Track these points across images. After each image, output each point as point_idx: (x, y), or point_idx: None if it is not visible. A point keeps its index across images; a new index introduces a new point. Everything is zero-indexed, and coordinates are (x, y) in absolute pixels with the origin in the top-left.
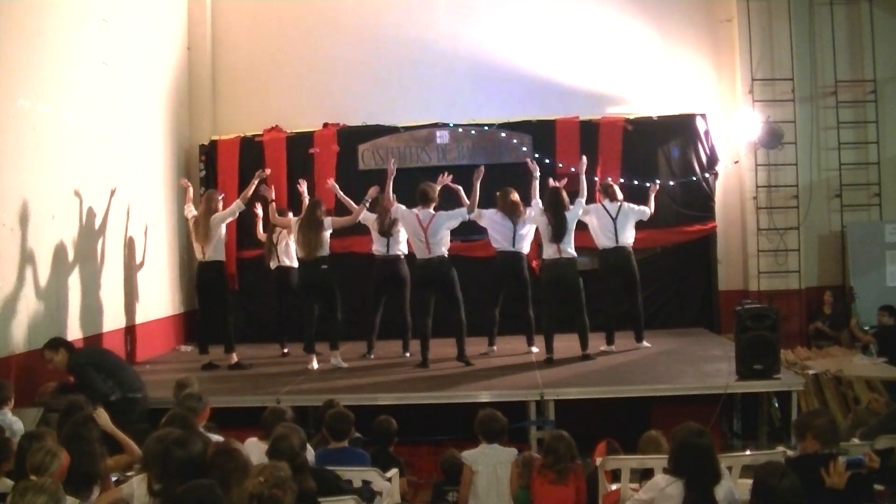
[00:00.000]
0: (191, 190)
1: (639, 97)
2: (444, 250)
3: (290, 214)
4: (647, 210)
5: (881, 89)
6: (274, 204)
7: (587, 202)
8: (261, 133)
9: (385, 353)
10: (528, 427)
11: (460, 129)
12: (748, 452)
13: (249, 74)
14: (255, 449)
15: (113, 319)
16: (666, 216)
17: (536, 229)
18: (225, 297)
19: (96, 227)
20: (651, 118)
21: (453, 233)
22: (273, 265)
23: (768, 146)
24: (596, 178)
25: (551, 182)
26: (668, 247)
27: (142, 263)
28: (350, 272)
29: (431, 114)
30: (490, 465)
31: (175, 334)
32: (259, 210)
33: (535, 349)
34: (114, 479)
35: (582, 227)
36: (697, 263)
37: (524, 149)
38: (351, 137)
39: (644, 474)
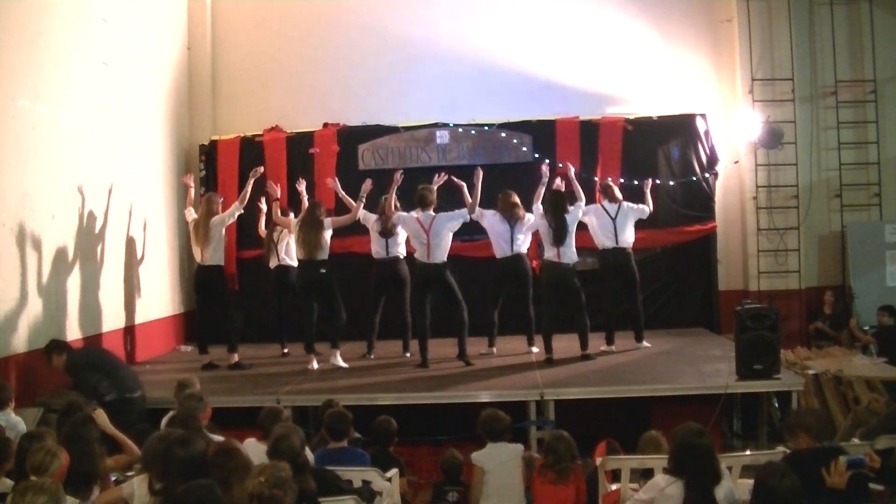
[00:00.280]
0: (192, 191)
1: (639, 97)
2: (444, 254)
3: (291, 215)
4: (647, 208)
5: (881, 89)
6: (278, 203)
7: (587, 203)
8: (261, 133)
9: (385, 353)
10: (528, 427)
11: (460, 129)
12: (748, 452)
13: (249, 74)
14: (253, 449)
15: (113, 319)
16: (666, 216)
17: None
18: (225, 298)
19: (96, 227)
20: (651, 118)
21: (454, 232)
22: (273, 264)
23: (768, 146)
24: (596, 178)
25: (557, 182)
26: (668, 247)
27: (141, 263)
28: (350, 272)
29: (431, 114)
30: (500, 462)
31: (175, 334)
32: (263, 205)
33: (535, 349)
34: (113, 478)
35: (582, 226)
36: (697, 263)
37: (524, 149)
38: (351, 137)
39: (644, 474)
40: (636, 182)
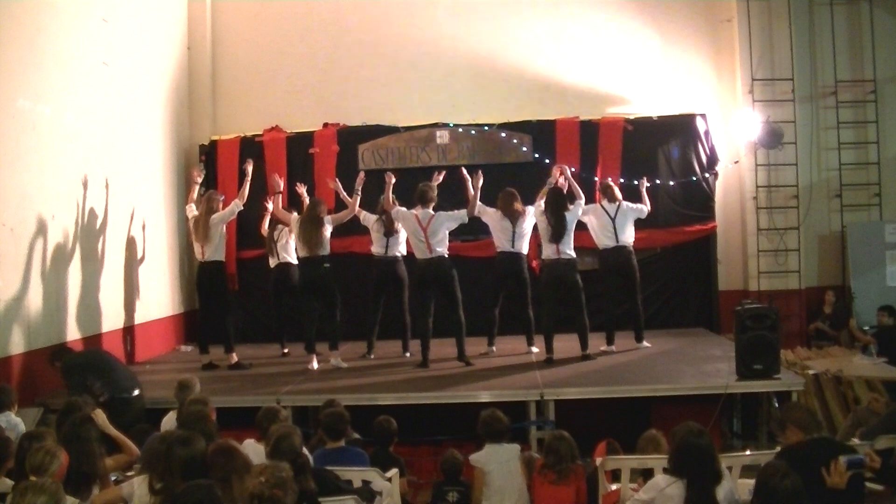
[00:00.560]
0: (196, 187)
1: (639, 97)
2: (444, 250)
3: (294, 213)
4: (645, 208)
5: (881, 89)
6: (281, 196)
7: (586, 202)
8: (261, 133)
9: (385, 353)
10: (528, 427)
11: (460, 129)
12: (748, 452)
13: (249, 74)
14: (252, 450)
15: (113, 319)
16: (666, 216)
17: (535, 228)
18: (225, 297)
19: (96, 227)
20: (651, 118)
21: (453, 232)
22: (273, 262)
23: (768, 146)
24: (596, 178)
25: (560, 180)
26: (668, 247)
27: (142, 263)
28: (350, 272)
29: (431, 114)
30: (500, 463)
31: (175, 334)
32: (269, 205)
33: (535, 349)
34: (113, 478)
35: (582, 226)
36: (697, 263)
37: (524, 149)
38: (351, 137)
39: (644, 474)
40: (636, 182)
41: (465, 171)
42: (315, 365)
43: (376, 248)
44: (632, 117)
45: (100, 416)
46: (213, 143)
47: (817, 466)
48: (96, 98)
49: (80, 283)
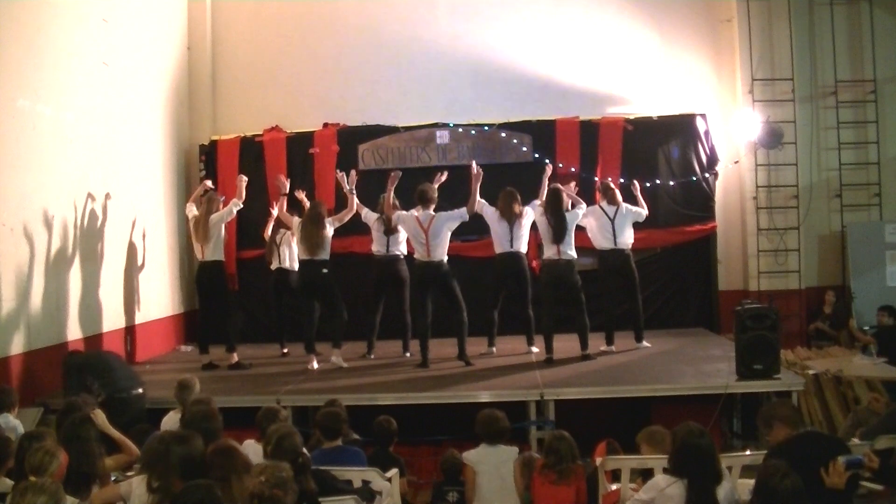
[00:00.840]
0: (201, 189)
1: (639, 97)
2: (443, 253)
3: (296, 217)
4: (643, 211)
5: (881, 89)
6: (285, 198)
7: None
8: (261, 133)
9: (385, 353)
10: (528, 427)
11: (460, 129)
12: (748, 452)
13: (249, 74)
14: (252, 450)
15: (113, 319)
16: (666, 216)
17: (535, 228)
18: (225, 297)
19: (96, 227)
20: (651, 118)
21: (454, 232)
22: (274, 266)
23: (768, 146)
24: (596, 178)
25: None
26: (668, 247)
27: (142, 264)
28: (350, 272)
29: (431, 114)
30: (492, 464)
31: (175, 334)
32: (274, 210)
33: (535, 349)
34: (112, 479)
35: (580, 227)
36: (697, 263)
37: (524, 149)
38: (351, 137)
39: (643, 473)
40: (636, 182)
41: (475, 166)
42: (315, 365)
43: (377, 247)
44: (632, 117)
45: (99, 416)
46: (213, 143)
47: (810, 462)
48: (96, 98)
49: (81, 283)
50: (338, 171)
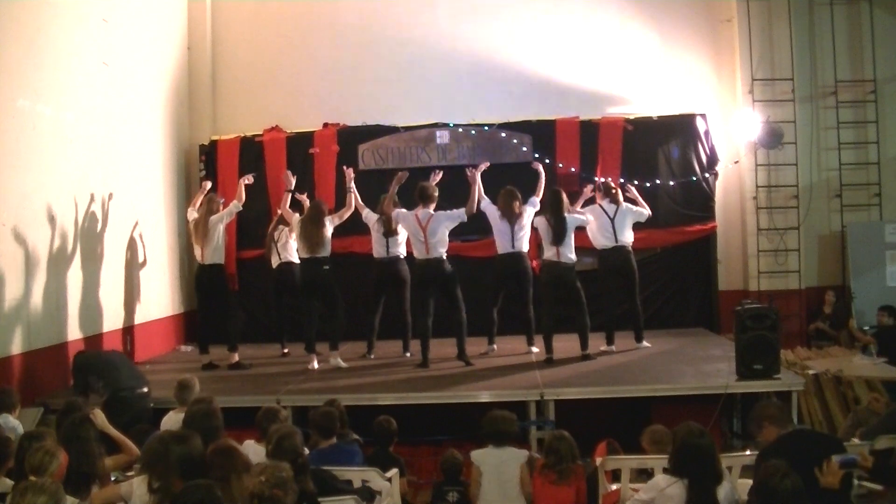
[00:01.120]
0: (202, 194)
1: (639, 97)
2: (443, 251)
3: (297, 215)
4: (645, 211)
5: (881, 89)
6: (290, 194)
7: (587, 203)
8: (261, 133)
9: (385, 353)
10: (528, 427)
11: (460, 129)
12: (748, 452)
13: (249, 74)
14: (252, 451)
15: (113, 319)
16: (666, 216)
17: (535, 228)
18: (226, 298)
19: (96, 227)
20: (651, 118)
21: (453, 232)
22: (274, 262)
23: (768, 146)
24: (596, 178)
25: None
26: (668, 247)
27: (142, 263)
28: (350, 272)
29: (431, 114)
30: (497, 465)
31: (175, 334)
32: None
33: (535, 349)
34: (112, 479)
35: (581, 227)
36: (697, 263)
37: (524, 149)
38: (351, 137)
39: (641, 473)
40: (636, 182)
41: (482, 167)
42: (315, 365)
43: (377, 249)
44: (632, 117)
45: (99, 416)
46: (213, 143)
47: (803, 461)
48: (96, 98)
49: (81, 283)
50: (344, 167)
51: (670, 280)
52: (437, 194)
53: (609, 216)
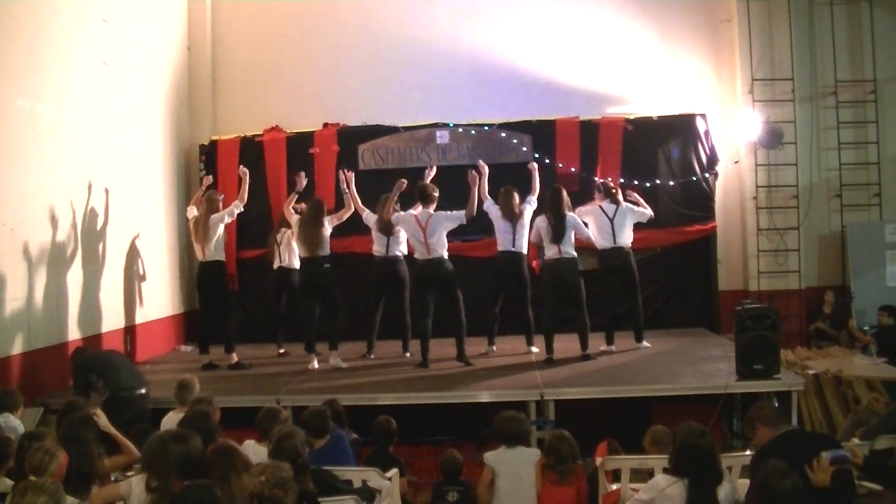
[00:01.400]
0: (202, 191)
1: (639, 97)
2: (443, 251)
3: (296, 216)
4: (647, 212)
5: (881, 89)
6: (296, 195)
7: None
8: (261, 133)
9: (385, 353)
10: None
11: (460, 129)
12: (748, 452)
13: (249, 74)
14: (252, 451)
15: (113, 319)
16: (666, 216)
17: (534, 228)
18: (225, 297)
19: (96, 227)
20: (651, 118)
21: (455, 231)
22: (276, 265)
23: (768, 146)
24: (595, 178)
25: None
26: (668, 247)
27: (142, 263)
28: (350, 272)
29: (431, 114)
30: (513, 466)
31: (175, 334)
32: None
33: (535, 349)
34: (112, 479)
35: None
36: (697, 263)
37: (524, 149)
38: (351, 137)
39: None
40: (636, 182)
41: (471, 172)
42: (315, 365)
43: (377, 248)
44: (632, 117)
45: (101, 417)
46: (213, 143)
47: (797, 461)
48: (96, 98)
49: (81, 282)
50: (343, 170)
51: (670, 280)
52: (436, 194)
53: (608, 216)
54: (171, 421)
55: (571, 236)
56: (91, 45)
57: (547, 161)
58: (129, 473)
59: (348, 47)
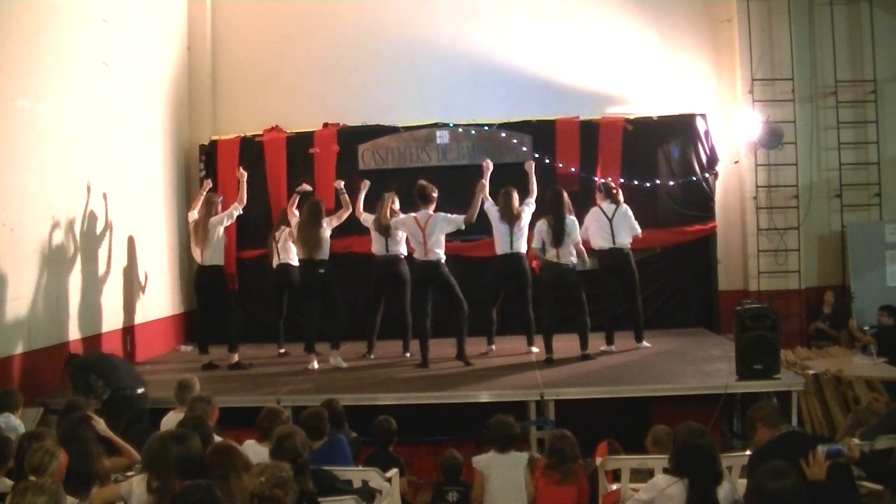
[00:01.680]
0: (202, 196)
1: (639, 97)
2: (440, 252)
3: (296, 217)
4: (637, 227)
5: (881, 89)
6: (297, 197)
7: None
8: (261, 133)
9: (385, 353)
10: (528, 427)
11: (460, 129)
12: (748, 452)
13: (249, 74)
14: (252, 451)
15: (113, 319)
16: (666, 216)
17: (535, 233)
18: (226, 299)
19: (96, 227)
20: (651, 118)
21: (455, 232)
22: (275, 263)
23: (768, 146)
24: (595, 178)
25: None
26: (668, 247)
27: (142, 263)
28: (350, 272)
29: (431, 114)
30: (502, 469)
31: (175, 334)
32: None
33: (535, 349)
34: (112, 478)
35: None
36: (697, 263)
37: (524, 149)
38: (351, 137)
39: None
40: (636, 182)
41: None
42: (315, 365)
43: (377, 248)
44: (632, 117)
45: (99, 423)
46: (213, 143)
47: (796, 462)
48: (96, 98)
49: (81, 283)
50: (362, 181)
51: (670, 280)
52: (436, 195)
53: (608, 217)
54: (171, 421)
55: (571, 246)
56: (91, 45)
57: (547, 161)
58: (130, 473)
59: (348, 47)
